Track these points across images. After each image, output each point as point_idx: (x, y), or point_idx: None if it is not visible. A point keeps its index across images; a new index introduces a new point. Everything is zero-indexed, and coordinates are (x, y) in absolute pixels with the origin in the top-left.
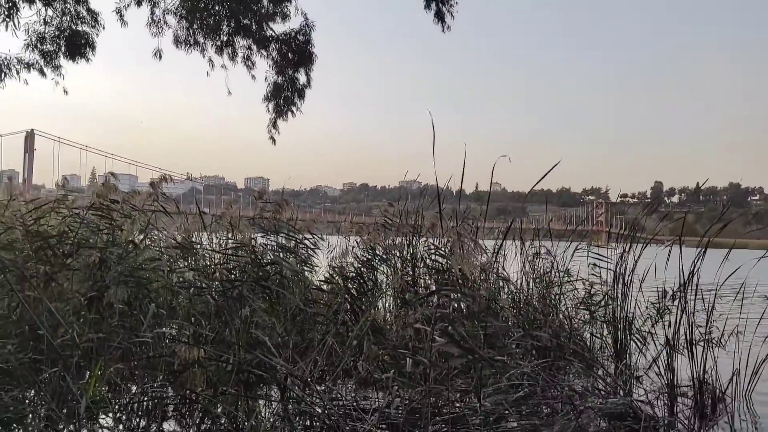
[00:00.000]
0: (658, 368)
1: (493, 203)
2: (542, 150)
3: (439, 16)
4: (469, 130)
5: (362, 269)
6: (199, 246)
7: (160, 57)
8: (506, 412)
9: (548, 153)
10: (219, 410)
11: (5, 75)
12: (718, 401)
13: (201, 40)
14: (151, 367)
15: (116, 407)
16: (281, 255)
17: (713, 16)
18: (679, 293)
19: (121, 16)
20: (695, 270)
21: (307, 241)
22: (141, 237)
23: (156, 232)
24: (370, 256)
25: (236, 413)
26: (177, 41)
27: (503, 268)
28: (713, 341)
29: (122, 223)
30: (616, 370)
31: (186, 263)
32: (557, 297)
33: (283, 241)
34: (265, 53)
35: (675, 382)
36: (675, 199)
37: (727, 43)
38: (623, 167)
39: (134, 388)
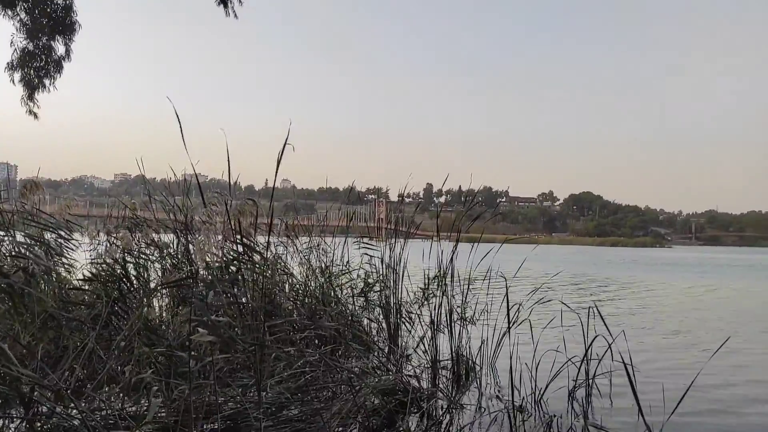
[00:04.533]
0: (425, 346)
1: (284, 200)
2: (331, 150)
3: (224, 1)
4: (264, 125)
5: (129, 266)
6: None
7: None
8: (286, 401)
9: (335, 153)
10: None
11: None
12: (471, 370)
13: None
14: None
15: None
16: (27, 249)
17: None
18: (438, 279)
19: None
20: (453, 259)
21: (60, 233)
22: None
23: None
24: (135, 253)
25: None
26: None
27: (286, 264)
28: (467, 319)
29: None
30: (390, 350)
31: None
32: (339, 288)
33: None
34: (10, 13)
35: (437, 357)
36: (442, 199)
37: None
38: (403, 169)
39: None
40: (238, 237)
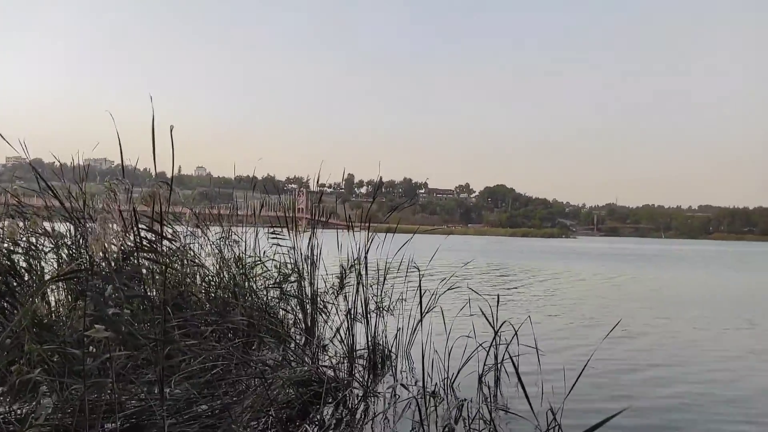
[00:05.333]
0: (341, 336)
1: (199, 188)
2: (250, 138)
3: None
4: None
5: (18, 257)
6: None
7: None
8: (194, 397)
9: (255, 142)
10: None
11: None
12: (387, 358)
13: None
14: None
15: None
16: None
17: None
18: (354, 269)
19: None
20: (369, 249)
21: None
22: None
23: None
24: (24, 243)
25: None
26: None
27: (195, 254)
28: (384, 309)
29: None
30: (307, 341)
31: None
32: (253, 279)
33: None
34: None
35: (354, 347)
36: (363, 190)
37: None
38: (326, 160)
39: None
40: (142, 225)
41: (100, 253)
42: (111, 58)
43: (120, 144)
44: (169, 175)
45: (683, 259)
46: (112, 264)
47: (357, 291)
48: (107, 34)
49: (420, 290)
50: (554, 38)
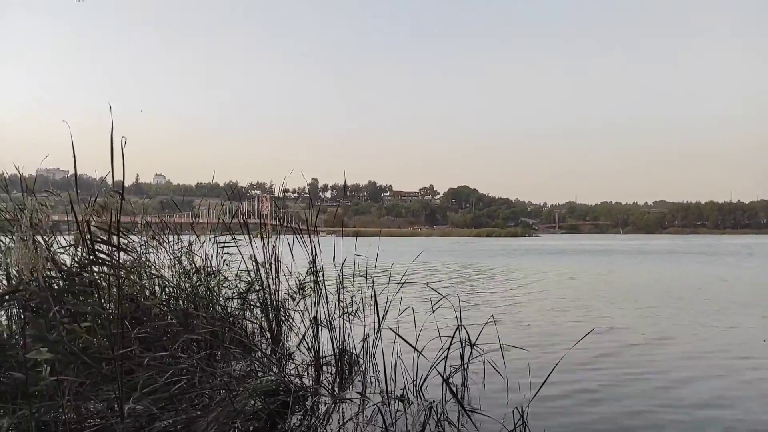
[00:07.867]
0: (308, 343)
1: (158, 196)
2: (212, 143)
3: None
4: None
5: None
6: None
7: None
8: (158, 411)
9: (216, 146)
10: None
11: None
12: (354, 363)
13: None
14: None
15: None
16: None
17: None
18: (315, 275)
19: None
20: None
21: None
22: None
23: None
24: None
25: None
26: None
27: (152, 265)
28: (350, 313)
29: None
30: (273, 350)
31: None
32: (216, 288)
33: None
34: None
35: (320, 354)
36: (328, 194)
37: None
38: (285, 163)
39: None
40: (96, 237)
41: (31, 272)
42: (73, 62)
43: (74, 153)
44: (127, 184)
45: (646, 254)
46: (63, 279)
47: (321, 296)
48: (71, 39)
49: (375, 294)
50: (515, 38)
